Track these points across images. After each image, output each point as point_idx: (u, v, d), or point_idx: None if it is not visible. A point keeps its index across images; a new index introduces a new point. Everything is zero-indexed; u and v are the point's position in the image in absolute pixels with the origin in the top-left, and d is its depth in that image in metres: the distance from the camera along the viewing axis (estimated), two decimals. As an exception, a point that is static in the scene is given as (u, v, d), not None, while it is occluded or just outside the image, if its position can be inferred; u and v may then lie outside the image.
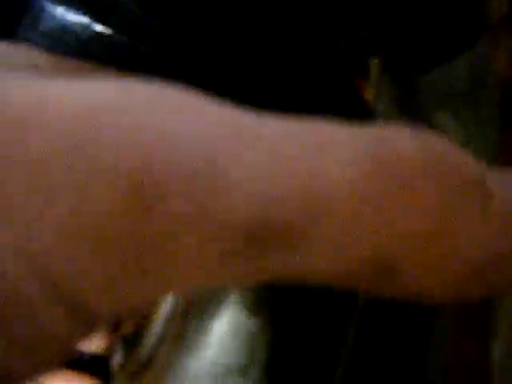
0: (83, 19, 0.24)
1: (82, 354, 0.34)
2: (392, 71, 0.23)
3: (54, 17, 0.25)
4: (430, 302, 0.16)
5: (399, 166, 0.15)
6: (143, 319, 0.29)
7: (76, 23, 0.24)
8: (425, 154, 0.15)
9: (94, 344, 0.34)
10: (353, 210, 0.15)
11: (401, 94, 0.23)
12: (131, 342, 0.30)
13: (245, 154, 0.14)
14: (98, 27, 0.24)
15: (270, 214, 0.14)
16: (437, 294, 0.16)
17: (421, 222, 0.15)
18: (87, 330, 0.15)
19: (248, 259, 0.15)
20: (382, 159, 0.15)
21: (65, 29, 0.25)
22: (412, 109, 0.22)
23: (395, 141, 0.15)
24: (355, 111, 0.26)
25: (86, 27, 0.25)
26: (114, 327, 0.32)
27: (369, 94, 0.24)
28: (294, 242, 0.14)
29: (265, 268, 0.15)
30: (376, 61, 0.24)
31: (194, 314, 0.25)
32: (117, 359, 0.31)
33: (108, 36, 0.24)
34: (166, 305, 0.27)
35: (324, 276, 0.15)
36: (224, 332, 0.24)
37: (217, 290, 0.24)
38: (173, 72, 0.27)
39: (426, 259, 0.15)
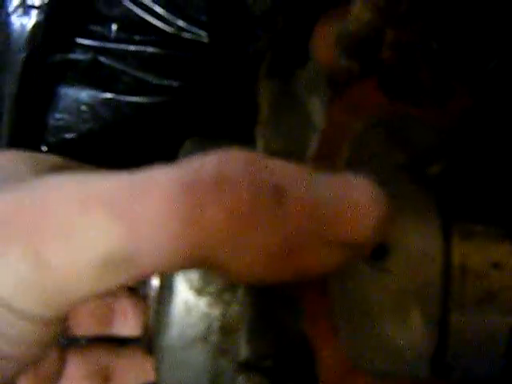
0: (92, 91, 0.30)
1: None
2: (273, 68, 0.28)
3: (67, 94, 0.32)
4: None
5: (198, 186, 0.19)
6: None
7: (87, 95, 0.31)
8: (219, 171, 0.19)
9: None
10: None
11: (279, 86, 0.27)
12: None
13: None
14: (108, 95, 0.30)
15: None
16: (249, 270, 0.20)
17: (225, 222, 0.19)
18: None
19: None
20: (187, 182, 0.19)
21: (79, 100, 0.31)
22: (290, 97, 0.27)
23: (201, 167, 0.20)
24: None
25: (95, 96, 0.31)
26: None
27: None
28: None
29: None
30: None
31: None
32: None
33: (114, 99, 0.31)
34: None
35: None
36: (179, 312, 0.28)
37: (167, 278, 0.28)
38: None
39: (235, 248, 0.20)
